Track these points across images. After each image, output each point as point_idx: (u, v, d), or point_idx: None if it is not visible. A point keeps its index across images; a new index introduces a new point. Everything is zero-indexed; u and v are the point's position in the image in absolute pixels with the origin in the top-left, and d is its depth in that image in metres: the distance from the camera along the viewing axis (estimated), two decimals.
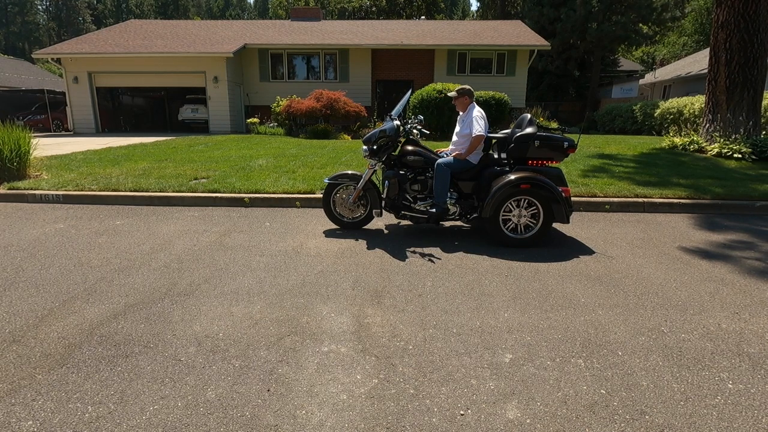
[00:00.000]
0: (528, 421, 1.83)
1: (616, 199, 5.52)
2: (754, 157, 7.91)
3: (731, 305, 2.90)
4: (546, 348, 2.37)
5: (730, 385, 2.06)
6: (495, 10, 36.08)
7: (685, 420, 1.83)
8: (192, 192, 5.82)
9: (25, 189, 5.97)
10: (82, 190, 5.91)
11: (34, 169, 7.06)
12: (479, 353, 2.32)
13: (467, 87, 4.37)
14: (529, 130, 4.10)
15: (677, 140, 9.60)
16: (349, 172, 4.51)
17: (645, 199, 5.52)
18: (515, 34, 19.08)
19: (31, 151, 6.84)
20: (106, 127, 17.76)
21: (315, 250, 3.97)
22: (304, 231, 4.56)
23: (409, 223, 4.86)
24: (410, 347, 2.37)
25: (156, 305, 2.84)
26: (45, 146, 10.22)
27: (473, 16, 59.37)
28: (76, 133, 16.91)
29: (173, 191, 5.86)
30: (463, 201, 4.30)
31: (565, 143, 4.04)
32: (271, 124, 15.54)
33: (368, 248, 4.03)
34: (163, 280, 3.26)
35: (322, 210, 4.78)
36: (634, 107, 16.15)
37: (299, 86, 17.54)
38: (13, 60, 36.82)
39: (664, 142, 10.03)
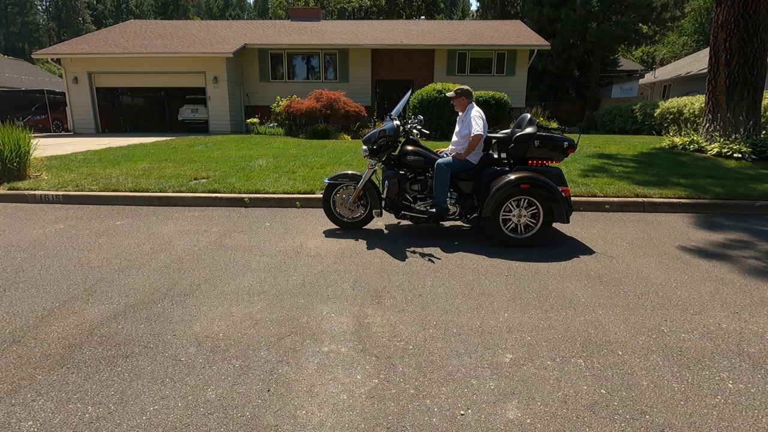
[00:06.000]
0: (528, 421, 1.83)
1: (616, 199, 5.52)
2: (753, 156, 7.91)
3: (731, 305, 2.91)
4: (546, 348, 2.37)
5: (730, 385, 2.06)
6: (495, 10, 36.06)
7: (685, 420, 1.83)
8: (192, 192, 5.82)
9: (25, 189, 5.97)
10: (82, 191, 5.91)
11: (34, 169, 7.06)
12: (479, 353, 2.32)
13: (465, 87, 4.37)
14: (529, 130, 4.10)
15: (677, 140, 9.60)
16: (349, 172, 4.51)
17: (645, 199, 5.52)
18: (515, 34, 19.08)
19: (31, 152, 6.85)
20: (105, 128, 17.77)
21: (315, 250, 3.97)
22: (304, 231, 4.56)
23: (409, 223, 4.86)
24: (410, 347, 2.37)
25: (156, 305, 2.85)
26: (45, 146, 10.22)
27: (473, 16, 59.42)
28: (76, 134, 16.91)
29: (173, 191, 5.86)
30: (463, 201, 4.30)
31: (565, 143, 4.05)
32: (271, 124, 15.54)
33: (368, 248, 4.03)
34: (163, 280, 3.26)
35: (322, 210, 4.78)
36: (634, 107, 16.13)
37: (299, 86, 17.54)
38: (13, 60, 36.81)
39: (664, 141, 10.03)
